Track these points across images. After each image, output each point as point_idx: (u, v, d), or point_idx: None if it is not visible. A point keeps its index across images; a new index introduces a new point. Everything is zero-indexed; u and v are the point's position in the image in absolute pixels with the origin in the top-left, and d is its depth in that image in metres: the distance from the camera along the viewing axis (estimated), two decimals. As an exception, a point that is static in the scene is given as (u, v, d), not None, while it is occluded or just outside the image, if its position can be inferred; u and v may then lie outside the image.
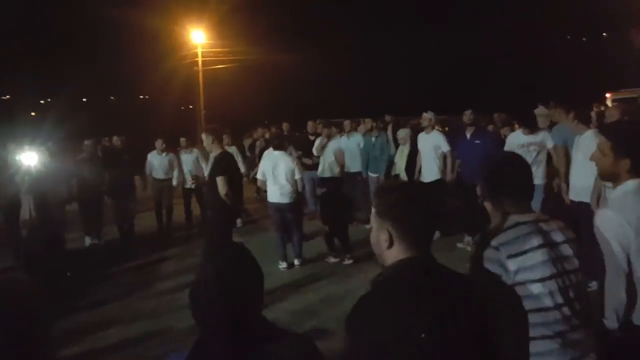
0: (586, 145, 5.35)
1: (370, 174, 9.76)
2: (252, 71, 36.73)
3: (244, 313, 1.59)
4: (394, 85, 41.77)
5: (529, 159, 6.93)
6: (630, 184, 2.34)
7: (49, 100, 40.67)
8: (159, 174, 9.84)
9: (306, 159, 9.82)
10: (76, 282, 7.21)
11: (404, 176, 8.47)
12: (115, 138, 9.95)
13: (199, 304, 1.61)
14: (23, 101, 37.85)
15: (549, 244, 2.08)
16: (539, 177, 6.88)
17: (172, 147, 10.44)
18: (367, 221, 8.96)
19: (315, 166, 9.96)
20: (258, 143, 12.84)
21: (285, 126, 12.83)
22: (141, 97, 47.23)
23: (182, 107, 45.19)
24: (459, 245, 7.81)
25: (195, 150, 10.03)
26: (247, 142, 13.50)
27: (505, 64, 43.19)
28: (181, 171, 9.99)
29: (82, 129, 14.52)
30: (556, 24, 45.06)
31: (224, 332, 1.57)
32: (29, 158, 8.24)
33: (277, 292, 6.42)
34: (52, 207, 8.26)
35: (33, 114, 37.90)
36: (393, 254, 1.76)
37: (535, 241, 2.06)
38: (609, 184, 4.27)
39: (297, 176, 7.44)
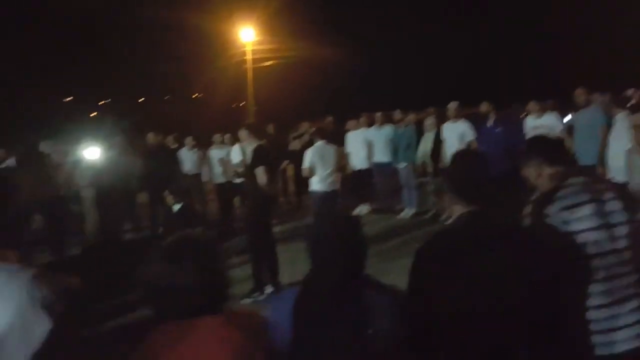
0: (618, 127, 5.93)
1: (399, 163, 10.01)
2: (301, 66, 37.25)
3: (353, 266, 2.14)
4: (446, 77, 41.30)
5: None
6: None
7: (109, 100, 42.56)
8: (189, 169, 10.49)
9: None
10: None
11: (429, 162, 8.86)
12: (150, 134, 10.32)
13: (319, 252, 2.16)
14: (83, 102, 39.85)
15: (597, 200, 2.42)
16: None
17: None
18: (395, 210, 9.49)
19: None
20: (304, 137, 13.01)
21: (328, 120, 12.36)
22: (194, 95, 48.81)
23: (234, 105, 46.10)
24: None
25: (227, 147, 10.13)
26: (292, 136, 13.89)
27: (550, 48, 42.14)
28: (209, 167, 10.47)
29: (140, 127, 15.29)
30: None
31: (339, 275, 2.10)
32: (92, 153, 8.81)
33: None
34: (114, 200, 8.54)
35: (93, 114, 39.83)
36: (456, 210, 2.28)
37: (585, 196, 2.42)
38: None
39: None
